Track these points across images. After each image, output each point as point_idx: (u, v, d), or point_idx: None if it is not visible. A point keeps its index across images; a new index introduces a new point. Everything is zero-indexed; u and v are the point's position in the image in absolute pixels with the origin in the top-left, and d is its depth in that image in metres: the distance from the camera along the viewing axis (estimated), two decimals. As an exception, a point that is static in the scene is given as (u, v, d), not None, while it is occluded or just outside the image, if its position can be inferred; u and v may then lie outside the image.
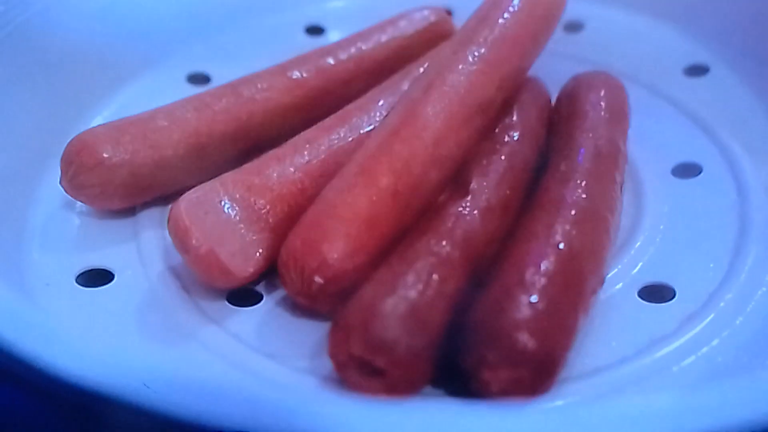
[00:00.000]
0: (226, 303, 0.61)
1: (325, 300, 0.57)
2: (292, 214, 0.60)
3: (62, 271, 0.63)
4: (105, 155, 0.63)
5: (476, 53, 0.65)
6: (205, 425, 0.39)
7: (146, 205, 0.68)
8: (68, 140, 0.65)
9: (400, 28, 0.81)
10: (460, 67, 0.64)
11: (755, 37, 0.82)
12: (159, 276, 0.63)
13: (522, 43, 0.68)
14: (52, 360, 0.42)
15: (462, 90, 0.63)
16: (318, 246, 0.56)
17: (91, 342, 0.44)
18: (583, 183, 0.61)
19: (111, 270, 0.63)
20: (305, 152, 0.64)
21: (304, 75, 0.74)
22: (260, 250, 0.59)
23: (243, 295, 0.61)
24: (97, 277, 0.63)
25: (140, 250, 0.65)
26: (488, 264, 0.58)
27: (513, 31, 0.67)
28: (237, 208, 0.59)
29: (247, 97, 0.71)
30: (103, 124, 0.68)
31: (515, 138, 0.66)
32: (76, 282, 0.63)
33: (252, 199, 0.60)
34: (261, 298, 0.61)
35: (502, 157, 0.64)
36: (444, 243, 0.56)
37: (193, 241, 0.57)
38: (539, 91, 0.74)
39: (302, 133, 0.67)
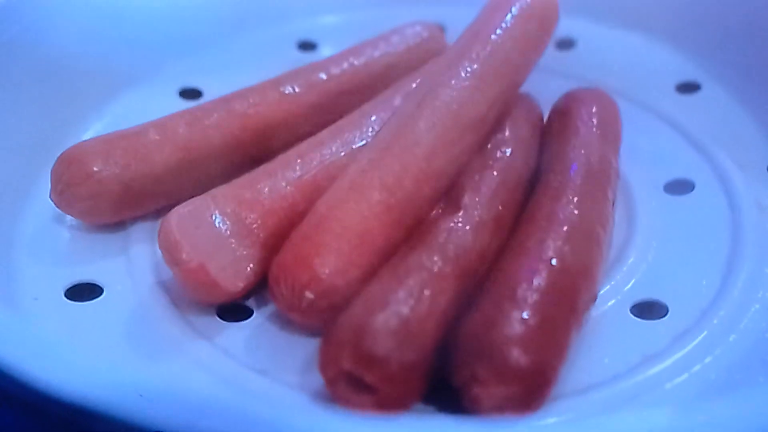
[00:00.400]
0: (216, 318, 0.60)
1: (316, 315, 0.56)
2: (283, 229, 0.60)
3: (51, 284, 0.62)
4: (95, 169, 0.63)
5: (469, 69, 0.65)
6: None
7: (137, 219, 0.68)
8: (59, 153, 0.64)
9: (392, 43, 0.81)
10: (453, 82, 0.64)
11: (746, 54, 0.83)
12: (148, 290, 0.62)
13: (514, 60, 0.68)
14: (40, 375, 0.42)
15: (454, 106, 0.63)
16: (309, 261, 0.56)
17: (80, 357, 0.43)
18: (575, 199, 0.61)
19: (100, 284, 0.63)
20: (297, 167, 0.64)
21: (297, 90, 0.74)
22: (251, 265, 0.59)
23: (233, 310, 0.61)
24: (86, 291, 0.62)
25: (130, 264, 0.64)
26: (480, 280, 0.57)
27: (505, 48, 0.67)
28: (228, 222, 0.59)
29: (239, 112, 0.70)
30: (94, 138, 0.67)
31: (507, 154, 0.66)
32: (65, 296, 0.62)
33: (243, 214, 0.60)
34: (251, 313, 0.61)
35: (495, 173, 0.64)
36: (436, 258, 0.56)
37: (183, 255, 0.56)
38: (531, 107, 0.74)
39: (294, 148, 0.66)
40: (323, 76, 0.76)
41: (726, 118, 0.79)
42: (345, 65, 0.78)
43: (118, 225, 0.67)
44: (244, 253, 0.59)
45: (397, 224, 0.59)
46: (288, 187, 0.62)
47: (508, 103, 0.69)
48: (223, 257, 0.58)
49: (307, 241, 0.57)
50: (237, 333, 0.59)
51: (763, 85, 0.80)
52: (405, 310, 0.52)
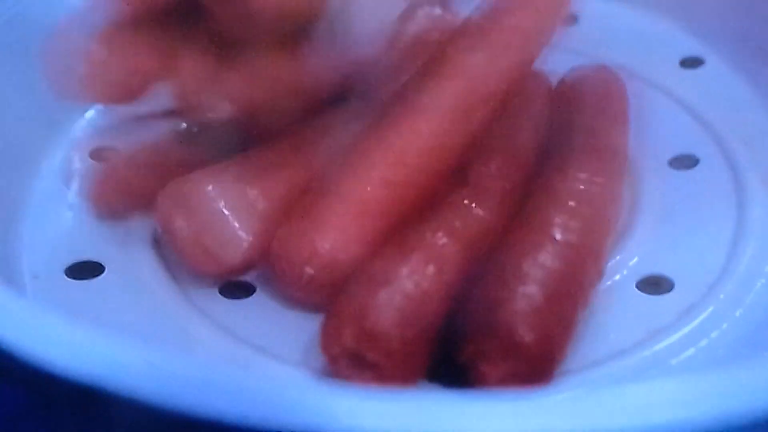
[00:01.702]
0: (218, 295, 0.60)
1: (317, 291, 0.56)
2: (284, 204, 0.59)
3: (51, 263, 0.62)
4: None
5: (480, 42, 0.63)
6: (199, 417, 0.38)
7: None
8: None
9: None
10: (464, 54, 0.62)
11: (749, 29, 0.82)
12: (149, 268, 0.61)
13: (529, 33, 0.66)
14: (42, 353, 0.41)
15: (465, 78, 0.61)
16: (309, 236, 0.55)
17: (82, 334, 0.43)
18: (582, 175, 0.60)
19: (101, 262, 0.62)
20: (302, 147, 0.63)
21: None
22: (250, 239, 0.58)
23: (235, 287, 0.60)
24: (86, 270, 0.61)
25: (131, 242, 0.64)
26: (486, 257, 0.57)
27: (520, 19, 0.65)
28: (228, 196, 0.58)
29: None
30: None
31: (517, 129, 0.65)
32: (66, 274, 0.61)
33: (244, 188, 0.59)
34: (254, 290, 0.60)
35: (504, 149, 0.63)
36: (441, 234, 0.55)
37: (180, 229, 0.57)
38: (541, 82, 0.72)
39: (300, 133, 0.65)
40: None
41: (730, 92, 0.78)
42: None
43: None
44: (244, 226, 0.58)
45: (400, 200, 0.58)
46: (291, 163, 0.61)
47: (521, 78, 0.67)
48: (221, 231, 0.57)
49: (308, 216, 0.56)
50: (239, 310, 0.58)
51: (767, 60, 0.80)
52: (409, 286, 0.52)
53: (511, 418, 0.37)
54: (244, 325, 0.58)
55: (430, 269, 0.53)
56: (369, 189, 0.57)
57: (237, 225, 0.58)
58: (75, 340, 0.42)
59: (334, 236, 0.55)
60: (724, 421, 0.37)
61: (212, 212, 0.58)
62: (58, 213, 0.67)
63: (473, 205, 0.58)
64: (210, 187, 0.58)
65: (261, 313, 0.59)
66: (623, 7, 0.90)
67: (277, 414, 0.37)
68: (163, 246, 0.62)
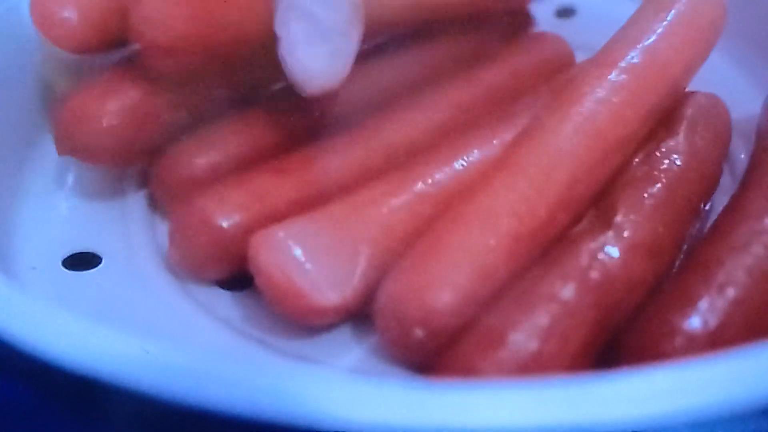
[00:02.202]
0: (216, 287, 0.59)
1: (422, 354, 0.50)
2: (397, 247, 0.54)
3: (49, 254, 0.61)
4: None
5: (618, 80, 0.57)
6: (192, 407, 0.38)
7: (136, 186, 0.67)
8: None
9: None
10: (600, 95, 0.56)
11: (748, 22, 0.81)
12: (147, 259, 0.61)
13: (673, 69, 0.59)
14: (39, 344, 0.42)
15: (601, 123, 0.55)
16: (422, 293, 0.49)
17: (79, 325, 0.43)
18: None
19: (98, 253, 0.62)
20: (415, 183, 0.58)
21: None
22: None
23: (233, 279, 0.59)
24: (84, 261, 0.61)
25: (128, 233, 0.63)
26: (626, 317, 0.50)
27: (664, 54, 0.59)
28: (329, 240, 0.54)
29: None
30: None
31: (678, 163, 0.57)
32: (63, 265, 0.61)
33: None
34: (251, 283, 0.60)
35: (659, 186, 0.55)
36: (573, 287, 0.48)
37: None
38: (717, 110, 0.63)
39: (410, 165, 0.60)
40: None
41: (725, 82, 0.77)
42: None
43: (116, 192, 0.67)
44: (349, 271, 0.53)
45: (524, 256, 0.51)
46: (407, 203, 0.56)
47: (663, 117, 0.60)
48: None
49: (422, 270, 0.50)
50: (237, 302, 0.58)
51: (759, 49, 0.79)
52: (529, 349, 0.45)
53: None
54: (241, 317, 0.56)
55: (557, 329, 0.46)
56: (493, 243, 0.50)
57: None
58: (73, 329, 0.42)
59: (450, 296, 0.48)
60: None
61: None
62: (55, 205, 0.66)
63: (616, 251, 0.50)
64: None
65: (260, 305, 0.56)
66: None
67: (274, 404, 0.37)
68: (160, 236, 0.62)
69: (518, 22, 0.79)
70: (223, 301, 0.58)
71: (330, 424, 0.37)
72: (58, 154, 0.63)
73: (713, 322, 0.46)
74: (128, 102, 0.61)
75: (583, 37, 0.83)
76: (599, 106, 0.55)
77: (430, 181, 0.58)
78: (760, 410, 0.37)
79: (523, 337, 0.46)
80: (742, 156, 0.66)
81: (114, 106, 0.61)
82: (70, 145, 0.62)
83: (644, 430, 0.36)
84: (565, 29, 0.84)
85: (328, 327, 0.55)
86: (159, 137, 0.63)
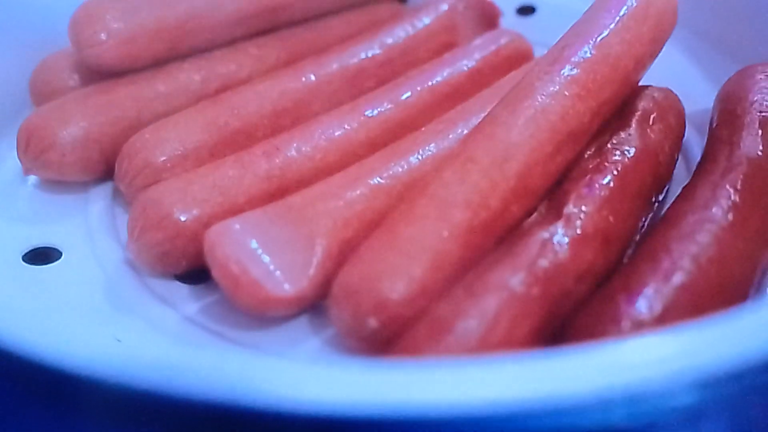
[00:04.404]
0: (175, 281, 0.59)
1: (376, 344, 0.50)
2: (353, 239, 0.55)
3: (9, 248, 0.62)
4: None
5: (570, 75, 0.57)
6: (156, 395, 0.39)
7: (98, 180, 0.67)
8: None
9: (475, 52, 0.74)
10: (552, 89, 0.56)
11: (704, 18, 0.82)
12: (107, 253, 0.61)
13: (625, 63, 0.59)
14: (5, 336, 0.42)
15: (552, 116, 0.55)
16: (376, 284, 0.49)
17: (43, 317, 0.43)
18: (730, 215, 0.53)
19: (58, 248, 0.62)
20: (375, 175, 0.58)
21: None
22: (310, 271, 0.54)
23: (192, 273, 0.59)
24: (44, 255, 0.62)
25: (89, 227, 0.64)
26: (575, 305, 0.50)
27: (615, 49, 0.59)
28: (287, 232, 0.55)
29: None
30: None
31: (630, 156, 0.57)
32: (23, 260, 0.61)
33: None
34: (208, 277, 0.60)
35: (610, 177, 0.55)
36: (522, 276, 0.49)
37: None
38: (670, 104, 0.64)
39: (372, 156, 0.61)
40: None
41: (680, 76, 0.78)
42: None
43: (78, 187, 0.67)
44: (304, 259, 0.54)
45: (478, 247, 0.51)
46: (363, 196, 0.57)
47: (614, 113, 0.60)
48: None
49: (376, 261, 0.50)
50: (195, 296, 0.58)
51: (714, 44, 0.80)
52: (474, 338, 0.46)
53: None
54: (200, 310, 0.57)
55: (505, 317, 0.47)
56: (446, 234, 0.51)
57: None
58: (37, 321, 0.42)
59: (403, 286, 0.49)
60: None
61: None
62: (15, 199, 0.66)
63: (565, 242, 0.51)
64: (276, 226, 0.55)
65: (218, 298, 0.57)
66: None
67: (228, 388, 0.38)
68: (121, 232, 0.62)
69: (486, 17, 0.80)
70: (182, 294, 0.58)
71: (289, 406, 0.37)
72: (24, 174, 0.66)
73: (659, 307, 0.47)
74: (84, 124, 0.64)
75: (542, 34, 0.84)
76: (551, 99, 0.56)
77: (385, 174, 0.58)
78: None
79: (471, 324, 0.46)
80: (697, 149, 0.67)
81: (70, 129, 0.64)
82: (32, 166, 0.65)
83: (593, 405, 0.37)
84: (525, 26, 0.85)
85: (285, 319, 0.55)
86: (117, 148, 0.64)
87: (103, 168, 0.66)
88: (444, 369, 0.38)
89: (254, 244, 0.53)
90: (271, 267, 0.53)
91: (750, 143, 0.58)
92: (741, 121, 0.60)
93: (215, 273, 0.53)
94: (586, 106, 0.57)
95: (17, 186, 0.67)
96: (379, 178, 0.58)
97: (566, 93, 0.57)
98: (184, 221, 0.57)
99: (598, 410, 0.37)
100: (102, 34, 0.66)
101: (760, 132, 0.59)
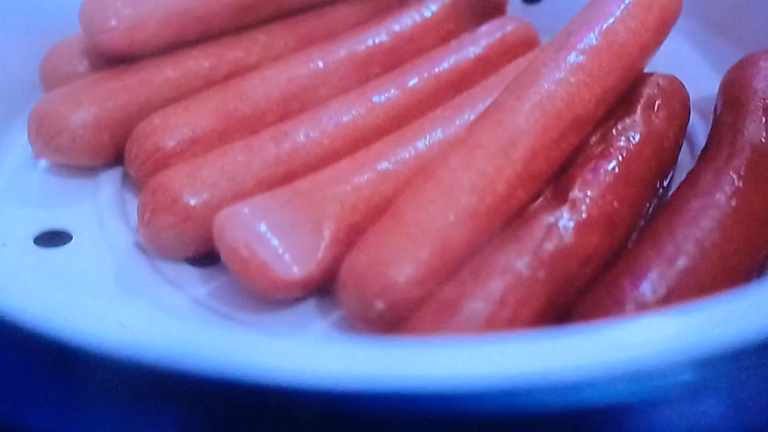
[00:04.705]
0: (184, 263, 0.60)
1: (383, 327, 0.50)
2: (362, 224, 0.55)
3: (20, 231, 0.62)
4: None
5: (576, 62, 0.58)
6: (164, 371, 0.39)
7: (108, 165, 0.68)
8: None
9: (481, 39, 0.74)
10: (557, 76, 0.57)
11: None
12: (117, 236, 0.62)
13: (630, 50, 0.60)
14: (18, 312, 0.42)
15: (558, 103, 0.56)
16: (383, 268, 0.50)
17: (55, 294, 0.43)
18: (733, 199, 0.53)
19: (69, 231, 0.62)
20: (382, 159, 0.59)
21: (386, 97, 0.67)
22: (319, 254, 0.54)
23: (201, 256, 0.60)
24: (55, 238, 0.62)
25: (99, 210, 0.64)
26: (579, 288, 0.51)
27: (620, 37, 0.60)
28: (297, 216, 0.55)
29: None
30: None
31: (634, 142, 0.58)
32: (35, 243, 0.62)
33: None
34: (218, 260, 0.61)
35: (615, 163, 0.56)
36: (528, 259, 0.49)
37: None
38: (675, 91, 0.64)
39: (378, 142, 0.62)
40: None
41: (686, 64, 0.77)
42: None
43: (88, 171, 0.67)
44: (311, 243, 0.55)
45: (484, 231, 0.52)
46: (370, 181, 0.57)
47: (619, 100, 0.61)
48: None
49: (384, 245, 0.51)
50: (205, 278, 0.59)
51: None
52: (481, 318, 0.46)
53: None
54: (209, 293, 0.58)
55: (510, 300, 0.47)
56: (452, 218, 0.51)
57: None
58: (50, 299, 0.43)
59: (410, 270, 0.49)
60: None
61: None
62: (27, 183, 0.67)
63: (570, 226, 0.51)
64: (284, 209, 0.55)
65: (227, 281, 0.58)
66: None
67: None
68: (131, 215, 0.62)
69: (492, 4, 0.80)
70: (191, 277, 0.59)
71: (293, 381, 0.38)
72: (35, 158, 0.66)
73: (662, 290, 0.47)
74: (95, 109, 0.65)
75: (548, 22, 0.84)
76: (556, 86, 0.56)
77: (393, 159, 0.59)
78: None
79: (477, 306, 0.47)
80: (702, 136, 0.67)
81: (81, 114, 0.64)
82: (43, 150, 0.65)
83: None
84: (531, 14, 0.85)
85: (293, 302, 0.56)
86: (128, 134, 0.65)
87: (113, 152, 0.66)
88: (450, 346, 0.39)
89: (263, 227, 0.54)
90: (280, 250, 0.53)
91: (754, 129, 0.59)
92: (745, 108, 0.61)
93: (224, 256, 0.54)
94: (591, 92, 0.57)
95: (29, 170, 0.68)
96: (386, 163, 0.58)
97: (571, 80, 0.57)
98: (194, 205, 0.58)
99: (601, 386, 0.38)
100: (112, 21, 0.66)
101: (763, 119, 0.60)
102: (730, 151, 0.58)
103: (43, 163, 0.68)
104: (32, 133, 0.65)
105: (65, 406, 0.44)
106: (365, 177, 0.58)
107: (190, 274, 0.60)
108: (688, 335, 0.39)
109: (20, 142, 0.67)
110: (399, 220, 0.52)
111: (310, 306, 0.56)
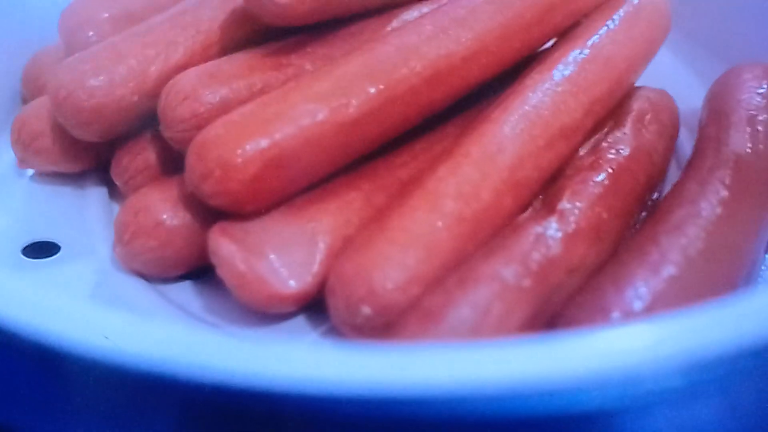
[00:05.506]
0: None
1: (370, 332, 0.50)
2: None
3: (8, 242, 0.62)
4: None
5: (564, 73, 0.59)
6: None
7: (93, 172, 0.68)
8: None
9: None
10: (545, 86, 0.58)
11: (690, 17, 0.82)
12: (105, 247, 0.61)
13: (617, 63, 0.61)
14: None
15: (545, 112, 0.57)
16: (368, 273, 0.50)
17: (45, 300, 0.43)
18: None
19: (57, 242, 0.62)
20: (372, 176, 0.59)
21: None
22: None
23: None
24: (43, 249, 0.62)
25: (87, 221, 0.64)
26: (566, 298, 0.51)
27: (608, 50, 0.61)
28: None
29: None
30: None
31: (624, 154, 0.59)
32: (23, 254, 0.62)
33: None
34: (207, 271, 0.61)
35: (604, 175, 0.57)
36: (515, 268, 0.50)
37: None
38: (664, 105, 0.65)
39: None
40: None
41: (676, 79, 0.78)
42: None
43: (75, 181, 0.67)
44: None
45: (470, 238, 0.52)
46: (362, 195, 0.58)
47: (608, 112, 0.62)
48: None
49: (370, 251, 0.51)
50: (193, 289, 0.59)
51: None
52: (466, 325, 0.47)
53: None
54: (197, 303, 0.58)
55: (495, 309, 0.48)
56: (438, 224, 0.52)
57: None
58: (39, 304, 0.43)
59: (395, 275, 0.50)
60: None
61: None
62: (15, 193, 0.67)
63: (558, 236, 0.52)
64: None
65: (215, 291, 0.57)
66: None
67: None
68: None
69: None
70: (181, 289, 0.59)
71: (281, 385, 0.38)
72: (18, 166, 0.66)
73: (647, 298, 0.47)
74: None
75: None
76: (543, 95, 0.57)
77: (386, 173, 0.59)
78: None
79: (463, 313, 0.47)
80: (688, 147, 0.68)
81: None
82: (25, 155, 0.65)
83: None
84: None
85: (285, 314, 0.56)
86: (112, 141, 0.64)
87: (95, 156, 0.66)
88: (435, 351, 0.39)
89: (258, 241, 0.54)
90: (276, 264, 0.53)
91: (738, 140, 0.60)
92: (729, 119, 0.62)
93: (220, 270, 0.53)
94: (578, 102, 0.58)
95: (14, 180, 0.68)
96: (379, 176, 0.59)
97: (557, 90, 0.58)
98: (177, 226, 0.57)
99: (588, 392, 0.38)
100: (90, 32, 0.66)
101: (747, 129, 0.60)
102: (714, 161, 0.58)
103: (29, 172, 0.68)
104: (14, 138, 0.65)
105: (54, 411, 0.44)
106: (359, 190, 0.58)
107: (179, 286, 0.59)
108: (674, 342, 0.39)
109: (5, 152, 0.67)
110: (385, 227, 0.52)
111: (300, 318, 0.56)
